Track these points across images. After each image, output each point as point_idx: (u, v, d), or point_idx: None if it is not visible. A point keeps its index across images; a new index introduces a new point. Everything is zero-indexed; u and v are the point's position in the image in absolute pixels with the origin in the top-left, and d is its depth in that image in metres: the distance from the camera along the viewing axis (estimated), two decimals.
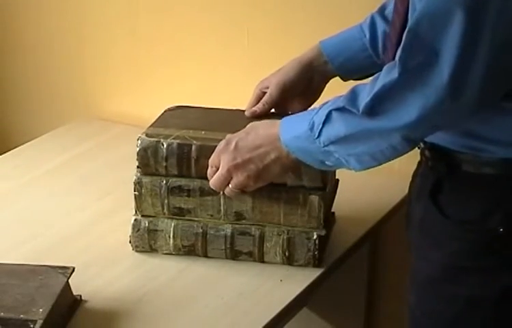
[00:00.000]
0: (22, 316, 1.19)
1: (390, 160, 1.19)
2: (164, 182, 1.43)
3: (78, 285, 1.33)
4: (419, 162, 1.33)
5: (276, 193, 1.41)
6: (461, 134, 1.17)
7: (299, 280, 1.41)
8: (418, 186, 1.29)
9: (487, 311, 1.18)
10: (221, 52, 1.97)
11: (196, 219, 1.45)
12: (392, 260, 1.89)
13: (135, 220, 1.47)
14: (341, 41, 1.48)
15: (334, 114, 1.18)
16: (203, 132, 1.44)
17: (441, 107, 1.09)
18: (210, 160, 1.37)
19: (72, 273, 1.30)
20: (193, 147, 1.41)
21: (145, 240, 1.47)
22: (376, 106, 1.13)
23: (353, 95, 1.17)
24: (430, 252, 1.23)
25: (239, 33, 1.92)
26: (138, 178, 1.45)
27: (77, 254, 1.48)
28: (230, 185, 1.35)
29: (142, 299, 1.36)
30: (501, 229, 1.14)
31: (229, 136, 1.35)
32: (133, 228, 1.47)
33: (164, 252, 1.47)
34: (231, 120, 1.47)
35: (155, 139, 1.43)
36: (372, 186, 1.71)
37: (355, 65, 1.46)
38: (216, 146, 1.37)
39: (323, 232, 1.42)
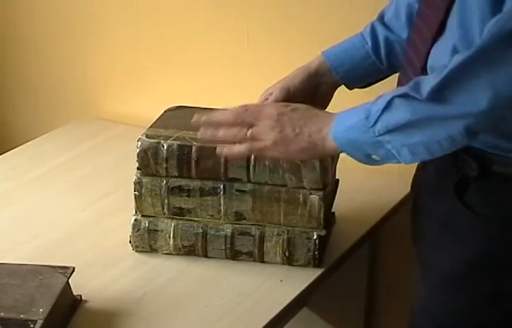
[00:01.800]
0: (22, 316, 1.19)
1: (443, 153, 1.15)
2: (164, 182, 1.44)
3: (78, 285, 1.33)
4: None
5: (276, 193, 1.41)
6: (495, 136, 1.17)
7: (299, 280, 1.41)
8: (435, 181, 1.28)
9: (510, 306, 1.20)
10: (221, 53, 1.97)
11: (196, 219, 1.45)
12: (392, 260, 1.89)
13: (135, 220, 1.47)
14: (343, 50, 1.48)
15: (397, 101, 1.15)
16: None
17: None
18: (236, 113, 1.30)
19: (72, 273, 1.30)
20: (193, 149, 1.41)
21: (145, 240, 1.47)
22: (443, 91, 1.11)
23: (416, 83, 1.15)
24: (454, 248, 1.24)
25: (239, 33, 1.92)
26: (138, 178, 1.45)
27: (77, 254, 1.48)
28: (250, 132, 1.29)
29: (142, 299, 1.36)
30: None
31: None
32: (133, 228, 1.47)
33: (164, 252, 1.47)
34: None
35: (156, 141, 1.43)
36: (372, 186, 1.71)
37: (359, 72, 1.47)
38: (216, 147, 1.38)
39: (323, 232, 1.42)
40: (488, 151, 1.18)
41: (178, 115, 1.53)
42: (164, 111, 1.56)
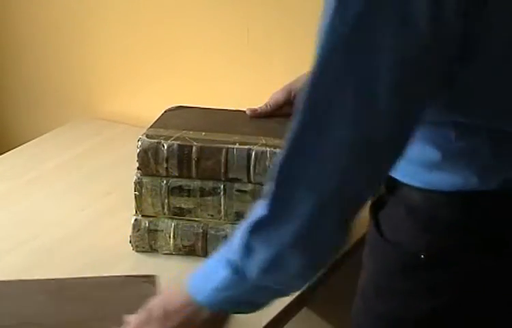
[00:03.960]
0: None
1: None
2: (165, 182, 1.44)
3: None
4: None
5: None
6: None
7: None
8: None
9: None
10: (222, 52, 1.97)
11: (196, 219, 1.45)
12: None
13: (135, 220, 1.47)
14: None
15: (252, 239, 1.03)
16: (203, 133, 1.44)
17: None
18: None
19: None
20: (194, 149, 1.41)
21: (145, 240, 1.47)
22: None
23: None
24: (364, 266, 1.22)
25: (239, 32, 1.92)
26: (138, 178, 1.45)
27: (77, 254, 1.48)
28: None
29: None
30: (422, 256, 1.11)
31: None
32: (133, 228, 1.47)
33: (165, 252, 1.47)
34: (232, 121, 1.48)
35: (156, 141, 1.43)
36: None
37: None
38: (216, 147, 1.37)
39: None
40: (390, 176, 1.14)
41: (178, 115, 1.53)
42: (164, 111, 1.56)
